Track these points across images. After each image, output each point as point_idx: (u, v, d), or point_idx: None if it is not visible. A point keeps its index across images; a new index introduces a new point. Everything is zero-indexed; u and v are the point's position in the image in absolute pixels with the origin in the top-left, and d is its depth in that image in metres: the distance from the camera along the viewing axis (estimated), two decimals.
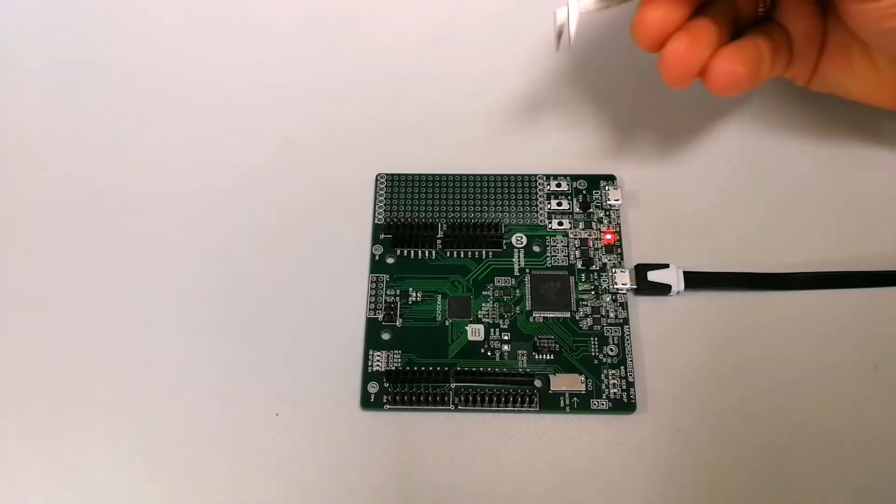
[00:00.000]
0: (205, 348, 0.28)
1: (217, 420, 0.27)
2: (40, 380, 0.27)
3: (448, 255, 0.29)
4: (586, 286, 0.28)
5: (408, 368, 0.27)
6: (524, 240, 0.29)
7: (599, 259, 0.29)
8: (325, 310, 0.28)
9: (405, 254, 0.29)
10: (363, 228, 0.30)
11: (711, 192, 0.30)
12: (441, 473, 0.26)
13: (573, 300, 0.28)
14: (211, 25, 0.35)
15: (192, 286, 0.29)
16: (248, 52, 0.35)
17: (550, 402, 0.26)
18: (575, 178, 0.31)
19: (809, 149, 0.31)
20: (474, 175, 0.31)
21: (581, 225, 0.30)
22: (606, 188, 0.30)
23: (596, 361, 0.27)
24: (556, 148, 0.32)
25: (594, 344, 0.27)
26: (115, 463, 0.26)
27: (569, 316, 0.28)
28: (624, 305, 0.28)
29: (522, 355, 0.27)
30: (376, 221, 0.30)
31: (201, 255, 0.30)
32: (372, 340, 0.28)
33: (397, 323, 0.28)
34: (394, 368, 0.27)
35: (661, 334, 0.28)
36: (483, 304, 0.28)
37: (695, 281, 0.28)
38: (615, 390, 0.27)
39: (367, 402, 0.27)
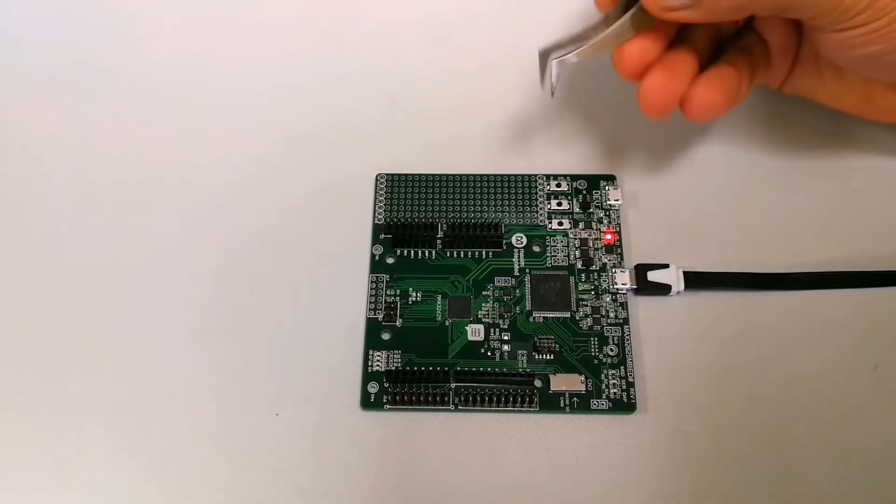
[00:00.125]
0: (205, 348, 0.28)
1: (217, 420, 0.27)
2: (40, 380, 0.27)
3: (448, 255, 0.29)
4: (586, 286, 0.28)
5: (408, 368, 0.27)
6: (524, 240, 0.29)
7: (599, 259, 0.29)
8: (325, 310, 0.28)
9: (405, 254, 0.29)
10: (363, 228, 0.30)
11: (712, 192, 0.30)
12: (441, 473, 0.26)
13: (573, 300, 0.28)
14: (211, 26, 0.35)
15: (193, 286, 0.29)
16: (248, 52, 0.35)
17: (550, 402, 0.26)
18: (575, 178, 0.31)
19: (810, 149, 0.31)
20: (474, 175, 0.31)
21: (581, 225, 0.30)
22: (606, 188, 0.30)
23: (596, 361, 0.27)
24: (556, 148, 0.32)
25: (594, 344, 0.27)
26: (115, 463, 0.26)
27: (569, 316, 0.28)
28: (624, 305, 0.28)
29: (522, 355, 0.27)
30: (376, 221, 0.30)
31: (202, 256, 0.30)
32: (372, 340, 0.28)
33: (397, 323, 0.28)
34: (394, 368, 0.27)
35: (661, 334, 0.28)
36: (483, 304, 0.28)
37: (695, 281, 0.28)
38: (615, 390, 0.27)
39: (367, 402, 0.27)
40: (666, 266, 0.28)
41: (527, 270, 0.29)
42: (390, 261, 0.29)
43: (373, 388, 0.27)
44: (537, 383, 0.27)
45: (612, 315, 0.28)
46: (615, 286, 0.28)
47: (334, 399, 0.27)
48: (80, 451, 0.26)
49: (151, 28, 0.36)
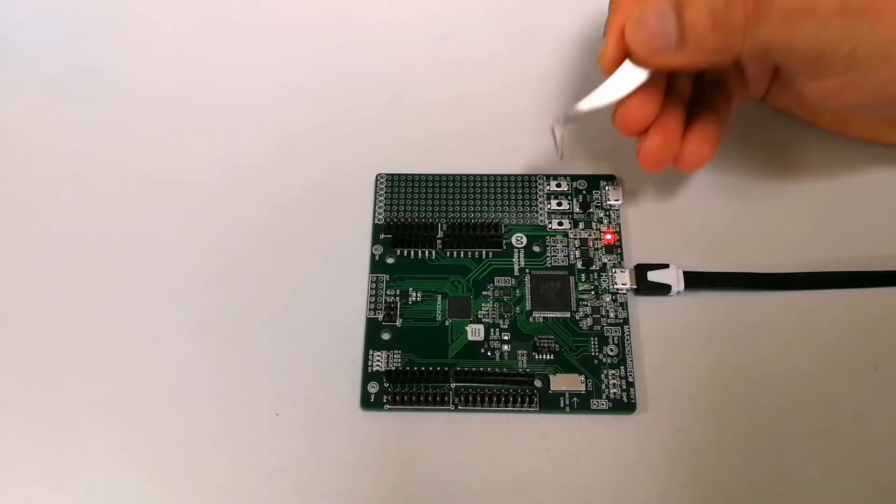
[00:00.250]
0: (205, 348, 0.28)
1: (217, 420, 0.27)
2: (40, 380, 0.27)
3: (448, 255, 0.29)
4: (586, 286, 0.28)
5: (408, 368, 0.27)
6: (524, 240, 0.29)
7: (599, 259, 0.29)
8: (325, 310, 0.28)
9: (405, 254, 0.29)
10: (363, 228, 0.30)
11: (712, 192, 0.30)
12: (441, 473, 0.26)
13: (573, 300, 0.28)
14: (211, 26, 0.35)
15: (193, 286, 0.29)
16: (248, 52, 0.35)
17: (550, 402, 0.26)
18: (575, 178, 0.31)
19: (810, 149, 0.31)
20: (474, 175, 0.31)
21: (581, 225, 0.30)
22: (606, 188, 0.30)
23: (596, 361, 0.27)
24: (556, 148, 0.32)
25: (594, 344, 0.27)
26: (115, 463, 0.26)
27: (569, 316, 0.28)
28: (624, 305, 0.28)
29: (522, 355, 0.27)
30: (376, 221, 0.30)
31: (202, 256, 0.30)
32: (372, 340, 0.28)
33: (397, 323, 0.28)
34: (394, 368, 0.27)
35: (661, 334, 0.28)
36: (483, 304, 0.28)
37: (695, 281, 0.28)
38: (615, 390, 0.27)
39: (367, 402, 0.27)
40: (666, 266, 0.28)
41: (527, 270, 0.29)
42: (390, 261, 0.29)
43: (373, 388, 0.27)
44: (537, 383, 0.27)
45: (612, 315, 0.28)
46: (615, 286, 0.28)
47: (334, 399, 0.27)
48: (80, 451, 0.26)
49: (151, 28, 0.36)
